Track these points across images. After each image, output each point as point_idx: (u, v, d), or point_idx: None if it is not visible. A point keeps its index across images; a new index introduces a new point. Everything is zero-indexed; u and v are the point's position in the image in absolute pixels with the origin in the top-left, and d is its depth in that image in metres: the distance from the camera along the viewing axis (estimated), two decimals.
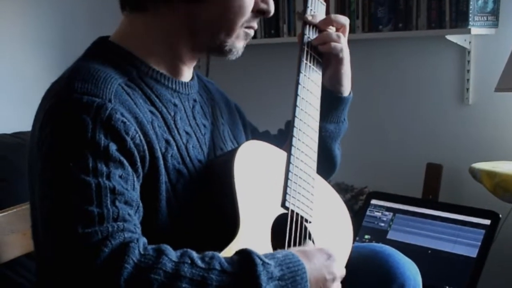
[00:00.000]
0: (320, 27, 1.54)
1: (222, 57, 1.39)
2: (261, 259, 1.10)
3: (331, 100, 1.57)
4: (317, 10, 1.55)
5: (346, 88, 1.59)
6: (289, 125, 1.60)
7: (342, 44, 1.52)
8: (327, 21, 1.55)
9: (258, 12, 1.36)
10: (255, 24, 1.38)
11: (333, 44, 1.51)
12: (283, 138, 1.60)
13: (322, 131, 1.53)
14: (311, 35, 1.53)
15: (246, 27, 1.36)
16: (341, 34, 1.53)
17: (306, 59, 1.49)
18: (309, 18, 1.53)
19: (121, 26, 1.38)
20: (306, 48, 1.50)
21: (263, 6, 1.36)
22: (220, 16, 1.31)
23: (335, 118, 1.60)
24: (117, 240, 1.07)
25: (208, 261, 1.09)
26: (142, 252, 1.07)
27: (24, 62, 3.19)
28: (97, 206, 1.10)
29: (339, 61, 1.54)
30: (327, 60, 1.55)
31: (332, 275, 1.22)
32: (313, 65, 1.50)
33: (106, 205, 1.11)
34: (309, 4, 1.54)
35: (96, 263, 1.04)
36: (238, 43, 1.37)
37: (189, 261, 1.08)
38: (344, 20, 1.55)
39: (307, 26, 1.53)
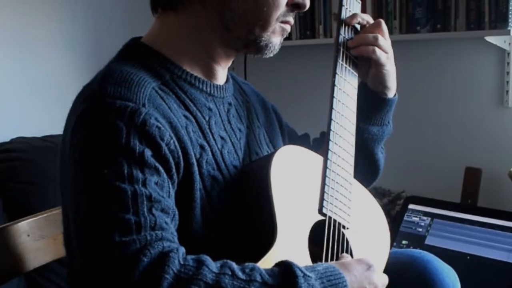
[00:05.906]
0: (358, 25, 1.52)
1: (258, 54, 1.35)
2: (302, 271, 1.08)
3: (374, 102, 1.54)
4: (352, 9, 1.52)
5: (390, 89, 1.54)
6: (324, 136, 1.57)
7: (381, 45, 1.47)
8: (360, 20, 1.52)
9: (293, 6, 1.31)
10: (291, 19, 1.33)
11: (363, 47, 1.47)
12: (318, 147, 1.57)
13: (364, 133, 1.50)
14: (347, 35, 1.49)
15: (282, 22, 1.32)
16: (378, 36, 1.47)
17: (342, 60, 1.46)
18: (348, 19, 1.50)
19: (153, 27, 1.35)
20: (342, 49, 1.47)
21: None
22: (254, 9, 1.27)
23: (379, 120, 1.56)
24: (156, 249, 1.04)
25: (249, 272, 1.06)
26: (182, 262, 1.04)
27: (56, 64, 3.19)
28: (133, 214, 1.07)
29: (376, 62, 1.49)
30: (366, 61, 1.51)
31: (373, 285, 1.20)
32: (349, 66, 1.47)
33: (143, 213, 1.08)
34: (344, 3, 1.51)
35: (135, 273, 1.02)
36: (274, 38, 1.33)
37: (230, 273, 1.05)
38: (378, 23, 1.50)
39: (343, 26, 1.50)
